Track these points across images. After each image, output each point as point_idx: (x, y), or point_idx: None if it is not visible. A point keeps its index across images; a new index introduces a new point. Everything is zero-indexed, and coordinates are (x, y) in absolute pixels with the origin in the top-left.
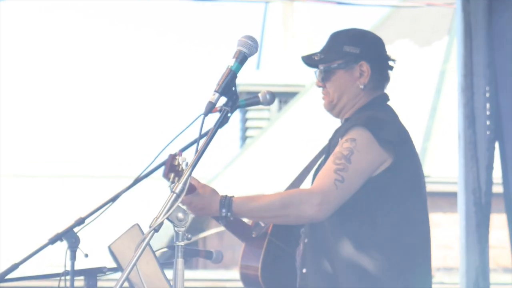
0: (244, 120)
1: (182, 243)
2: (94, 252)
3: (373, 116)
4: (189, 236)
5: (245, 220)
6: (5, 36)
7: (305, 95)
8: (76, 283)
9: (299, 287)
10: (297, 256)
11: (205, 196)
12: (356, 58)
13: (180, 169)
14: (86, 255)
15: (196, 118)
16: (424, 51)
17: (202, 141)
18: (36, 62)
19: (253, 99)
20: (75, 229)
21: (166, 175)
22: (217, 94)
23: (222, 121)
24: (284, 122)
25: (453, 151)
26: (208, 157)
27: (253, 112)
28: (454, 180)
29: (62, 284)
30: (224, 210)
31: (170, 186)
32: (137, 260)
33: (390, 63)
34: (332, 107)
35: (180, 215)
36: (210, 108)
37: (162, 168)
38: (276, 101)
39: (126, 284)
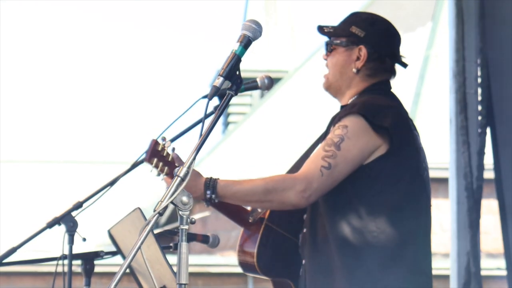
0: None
1: (186, 227)
2: (91, 236)
3: (368, 102)
4: (193, 219)
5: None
6: (5, 32)
7: (288, 81)
8: (73, 267)
9: (300, 277)
10: (299, 243)
11: (190, 178)
12: (358, 40)
13: (164, 153)
14: (84, 239)
15: (196, 101)
16: (407, 37)
17: (206, 125)
18: (34, 49)
19: (251, 84)
20: (73, 213)
21: (148, 160)
22: (221, 78)
23: (226, 105)
24: (266, 108)
25: (436, 137)
26: (191, 143)
27: (235, 98)
28: (438, 166)
29: (59, 268)
30: (208, 192)
31: (152, 170)
32: (141, 244)
33: (399, 58)
34: (328, 85)
35: (185, 198)
36: (215, 92)
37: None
38: None
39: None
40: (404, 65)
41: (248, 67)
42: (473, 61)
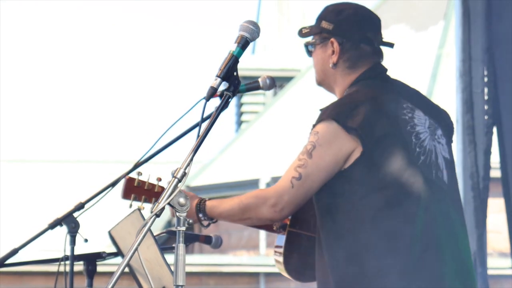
0: (239, 105)
1: (183, 228)
2: (93, 237)
3: (340, 103)
4: (190, 221)
5: None
6: (5, 32)
7: (301, 80)
8: (75, 268)
9: None
10: None
11: None
12: (329, 34)
13: (146, 186)
14: (86, 240)
15: (197, 103)
16: (419, 36)
17: (203, 126)
18: (36, 47)
19: (253, 84)
20: (75, 214)
21: (124, 197)
22: (218, 79)
23: (224, 106)
24: (279, 107)
25: None
26: (204, 141)
27: (248, 97)
28: None
29: (61, 269)
30: (201, 215)
31: (131, 204)
32: (138, 245)
33: (377, 40)
34: (318, 83)
35: (182, 200)
36: (212, 93)
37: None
38: None
39: (126, 269)
40: (389, 44)
41: (261, 65)
42: (479, 61)
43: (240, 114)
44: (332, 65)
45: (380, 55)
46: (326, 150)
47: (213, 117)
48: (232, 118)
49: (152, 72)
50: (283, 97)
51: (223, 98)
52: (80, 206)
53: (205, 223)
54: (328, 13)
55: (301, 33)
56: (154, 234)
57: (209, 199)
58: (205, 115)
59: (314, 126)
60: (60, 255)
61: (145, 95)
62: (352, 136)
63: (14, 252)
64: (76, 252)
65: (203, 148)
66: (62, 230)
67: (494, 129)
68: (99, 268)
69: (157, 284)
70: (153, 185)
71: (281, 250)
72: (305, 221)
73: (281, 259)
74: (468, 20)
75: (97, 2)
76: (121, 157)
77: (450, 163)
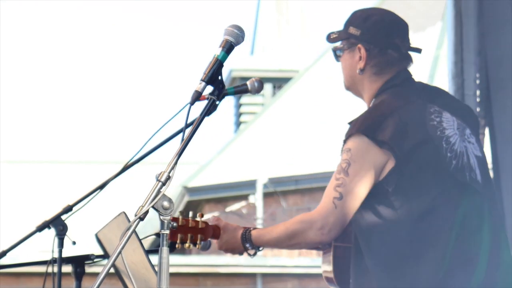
0: (238, 106)
1: (167, 232)
2: (82, 239)
3: (368, 116)
4: (174, 224)
5: None
6: (5, 32)
7: (299, 81)
8: (64, 270)
9: None
10: None
11: (229, 236)
12: (356, 40)
13: (189, 224)
14: (74, 243)
15: (184, 107)
16: (417, 36)
17: (188, 130)
18: (36, 47)
19: (241, 87)
20: (63, 217)
21: (170, 239)
22: (203, 83)
23: (209, 110)
24: (278, 108)
25: None
26: (202, 142)
27: (247, 98)
28: None
29: (50, 271)
30: (248, 245)
31: (179, 245)
32: (122, 248)
33: (405, 45)
34: (346, 88)
35: (166, 203)
36: (196, 97)
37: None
38: (270, 86)
39: (112, 271)
40: (417, 50)
41: (259, 66)
42: (471, 63)
43: (238, 114)
44: (359, 71)
45: (408, 60)
46: (361, 165)
47: (197, 121)
48: (231, 119)
49: (140, 75)
50: (281, 98)
51: (208, 102)
52: (68, 209)
53: (251, 252)
54: (355, 19)
55: (330, 39)
56: (145, 236)
57: (254, 228)
58: (192, 119)
59: (344, 141)
60: (48, 257)
61: (134, 97)
62: (383, 149)
63: (1, 254)
64: (65, 255)
65: (200, 149)
66: (51, 232)
67: (486, 131)
68: (88, 270)
69: (143, 287)
70: (197, 222)
71: (331, 267)
72: (348, 233)
73: (331, 274)
74: (460, 22)
75: (97, 2)
76: (122, 157)
77: (482, 160)
